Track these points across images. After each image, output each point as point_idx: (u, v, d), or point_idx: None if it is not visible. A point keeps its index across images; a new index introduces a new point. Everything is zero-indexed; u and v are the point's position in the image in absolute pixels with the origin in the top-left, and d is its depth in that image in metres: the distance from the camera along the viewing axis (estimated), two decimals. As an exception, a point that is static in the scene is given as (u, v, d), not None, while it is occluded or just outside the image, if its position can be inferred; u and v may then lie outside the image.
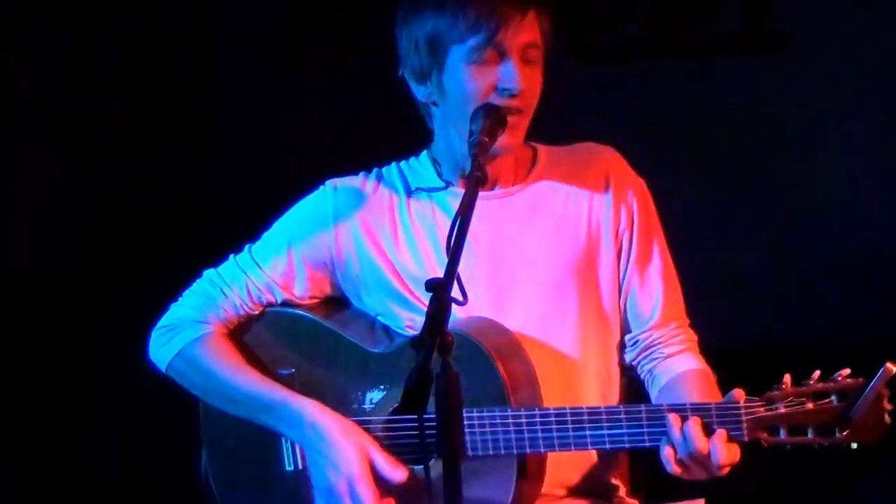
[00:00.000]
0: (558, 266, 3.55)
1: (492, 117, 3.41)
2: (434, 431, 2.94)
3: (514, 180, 3.61)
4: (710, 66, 4.75)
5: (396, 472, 3.44)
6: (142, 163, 5.07)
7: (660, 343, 3.59)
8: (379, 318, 3.64)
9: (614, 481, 3.67)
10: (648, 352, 3.60)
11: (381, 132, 4.65)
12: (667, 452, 3.27)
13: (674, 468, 3.28)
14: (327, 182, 3.68)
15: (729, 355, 3.61)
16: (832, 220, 4.64)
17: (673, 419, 3.26)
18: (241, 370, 3.60)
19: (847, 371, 3.18)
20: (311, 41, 5.12)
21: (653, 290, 3.59)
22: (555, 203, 3.59)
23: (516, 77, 3.44)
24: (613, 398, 3.60)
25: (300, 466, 3.56)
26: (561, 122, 3.66)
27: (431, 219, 3.59)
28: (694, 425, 3.24)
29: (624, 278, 3.59)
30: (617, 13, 4.83)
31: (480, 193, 3.42)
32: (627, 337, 3.60)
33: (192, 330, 3.63)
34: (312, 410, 3.50)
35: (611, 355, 3.61)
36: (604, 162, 3.62)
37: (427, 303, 2.96)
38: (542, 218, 3.58)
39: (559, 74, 3.58)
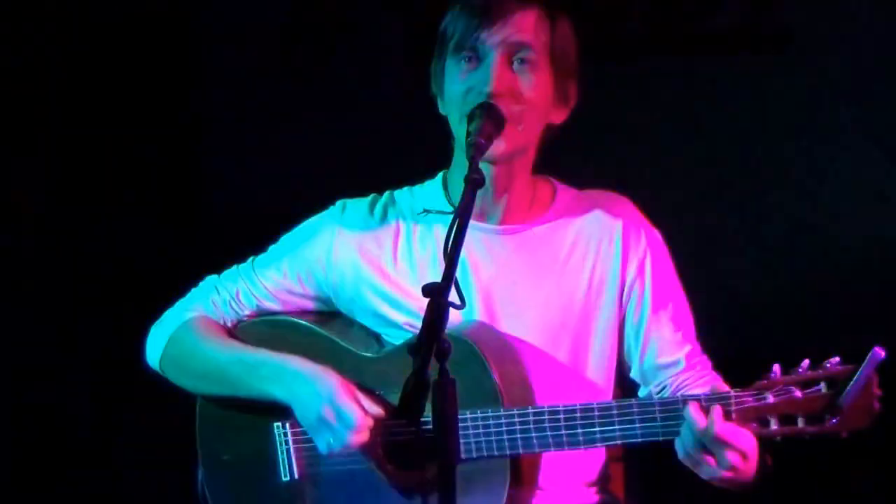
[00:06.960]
0: (552, 313, 3.51)
1: (489, 117, 3.32)
2: (430, 436, 2.94)
3: (528, 217, 3.55)
4: (711, 64, 4.74)
5: (374, 407, 3.42)
6: (139, 166, 5.05)
7: (687, 384, 3.53)
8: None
9: (610, 493, 3.66)
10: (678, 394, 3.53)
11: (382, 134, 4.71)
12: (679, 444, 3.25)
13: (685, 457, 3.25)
14: (338, 202, 3.66)
15: (717, 360, 3.61)
16: (831, 220, 4.66)
17: (692, 406, 3.21)
18: (227, 342, 3.61)
19: (837, 359, 3.17)
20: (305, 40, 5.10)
21: (675, 339, 3.54)
22: (562, 248, 3.54)
23: (487, 77, 3.37)
24: None
25: (295, 476, 3.56)
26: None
27: (434, 242, 3.55)
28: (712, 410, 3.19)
29: (640, 330, 3.53)
30: (616, 10, 4.81)
31: (493, 227, 3.49)
32: (654, 384, 3.54)
33: (180, 317, 3.66)
34: (296, 360, 3.51)
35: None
36: (616, 213, 3.55)
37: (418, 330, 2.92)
38: (546, 261, 3.53)
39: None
